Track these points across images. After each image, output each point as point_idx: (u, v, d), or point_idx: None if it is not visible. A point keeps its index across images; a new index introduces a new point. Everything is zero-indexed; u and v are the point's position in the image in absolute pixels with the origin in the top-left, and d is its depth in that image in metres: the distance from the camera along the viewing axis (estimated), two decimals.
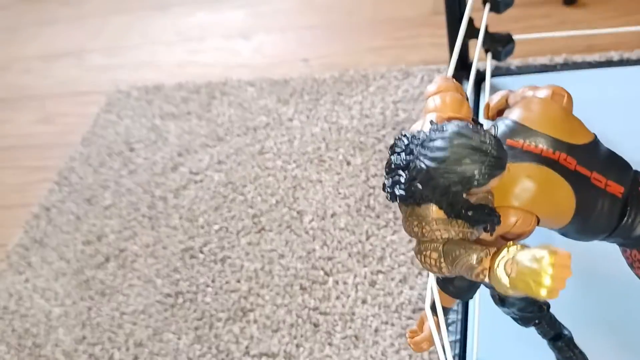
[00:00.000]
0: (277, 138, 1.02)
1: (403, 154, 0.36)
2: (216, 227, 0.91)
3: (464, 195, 0.35)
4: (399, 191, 0.36)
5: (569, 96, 0.45)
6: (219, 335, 0.80)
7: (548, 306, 0.51)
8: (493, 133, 0.35)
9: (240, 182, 0.97)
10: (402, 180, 0.36)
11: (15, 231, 1.02)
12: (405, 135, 0.36)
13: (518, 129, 0.42)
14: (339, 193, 0.91)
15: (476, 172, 0.33)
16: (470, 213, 0.35)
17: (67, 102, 1.27)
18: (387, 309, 0.77)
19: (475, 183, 0.34)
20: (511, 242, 0.33)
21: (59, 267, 0.94)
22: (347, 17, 1.25)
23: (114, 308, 0.86)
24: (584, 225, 0.43)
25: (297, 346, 0.76)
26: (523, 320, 0.51)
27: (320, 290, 0.81)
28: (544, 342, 0.54)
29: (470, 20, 0.75)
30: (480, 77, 0.84)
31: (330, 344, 0.76)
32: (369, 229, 0.86)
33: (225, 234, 0.90)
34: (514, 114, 0.43)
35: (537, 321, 0.51)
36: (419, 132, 0.36)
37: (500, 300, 0.50)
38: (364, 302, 0.79)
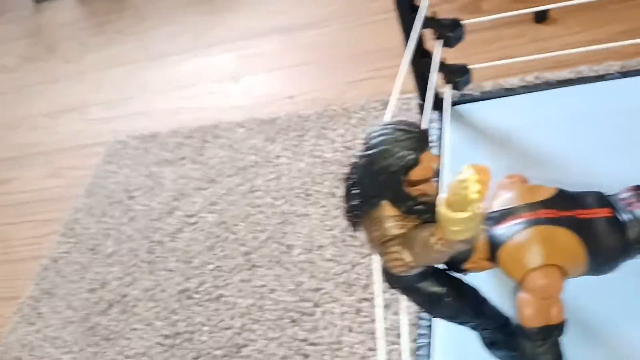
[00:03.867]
0: (265, 176, 1.06)
1: (353, 175, 0.40)
2: (210, 266, 0.96)
3: (406, 186, 0.39)
4: (355, 201, 0.40)
5: (519, 176, 0.53)
6: None
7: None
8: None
9: (232, 221, 1.01)
10: (355, 190, 0.40)
11: (27, 283, 1.08)
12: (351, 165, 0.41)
13: (500, 214, 0.48)
14: (325, 225, 0.95)
15: (405, 146, 0.38)
16: (420, 207, 0.39)
17: (72, 156, 1.34)
18: (372, 336, 0.80)
19: (409, 158, 0.38)
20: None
21: (66, 315, 0.99)
22: (329, 52, 1.29)
23: (118, 352, 0.91)
24: (604, 255, 0.46)
25: None
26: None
27: (309, 322, 0.84)
28: None
29: (429, 54, 0.79)
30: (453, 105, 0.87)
31: None
32: (353, 258, 0.89)
33: (219, 273, 0.94)
34: (493, 206, 0.49)
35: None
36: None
37: (491, 343, 0.52)
38: (350, 330, 0.81)
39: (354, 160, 0.41)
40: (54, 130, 1.44)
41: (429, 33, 0.80)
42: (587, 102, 0.83)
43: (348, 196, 0.41)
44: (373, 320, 0.81)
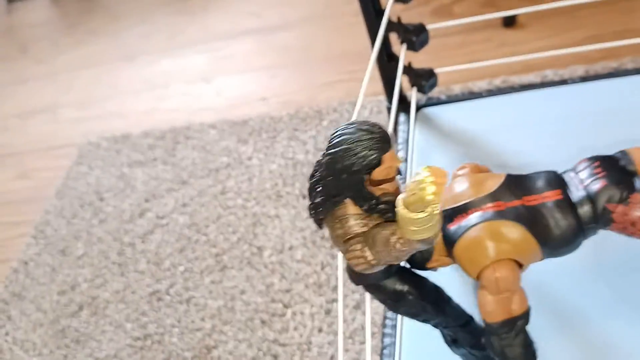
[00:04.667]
0: (237, 177, 1.06)
1: (317, 173, 0.41)
2: (181, 268, 0.96)
3: (368, 185, 0.40)
4: (318, 199, 0.40)
5: (470, 166, 0.51)
6: None
7: None
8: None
9: (203, 222, 1.01)
10: (319, 188, 0.40)
11: None
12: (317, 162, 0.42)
13: (451, 212, 0.47)
14: (296, 226, 0.95)
15: (367, 147, 0.39)
16: (382, 206, 0.40)
17: (43, 157, 1.33)
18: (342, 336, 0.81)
19: (371, 157, 0.39)
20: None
21: (36, 318, 0.98)
22: (303, 54, 1.30)
23: (88, 354, 0.90)
24: (556, 239, 0.45)
25: None
26: (482, 358, 0.53)
27: (279, 323, 0.85)
28: None
29: (396, 58, 0.80)
30: (419, 107, 0.89)
31: None
32: (323, 259, 0.90)
33: (190, 274, 0.94)
34: (445, 202, 0.48)
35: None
36: None
37: (453, 340, 0.53)
38: (320, 330, 0.82)
39: (318, 158, 0.42)
40: (25, 131, 1.42)
41: (396, 37, 0.81)
42: (551, 106, 0.85)
43: (312, 194, 0.42)
44: (342, 321, 0.82)
